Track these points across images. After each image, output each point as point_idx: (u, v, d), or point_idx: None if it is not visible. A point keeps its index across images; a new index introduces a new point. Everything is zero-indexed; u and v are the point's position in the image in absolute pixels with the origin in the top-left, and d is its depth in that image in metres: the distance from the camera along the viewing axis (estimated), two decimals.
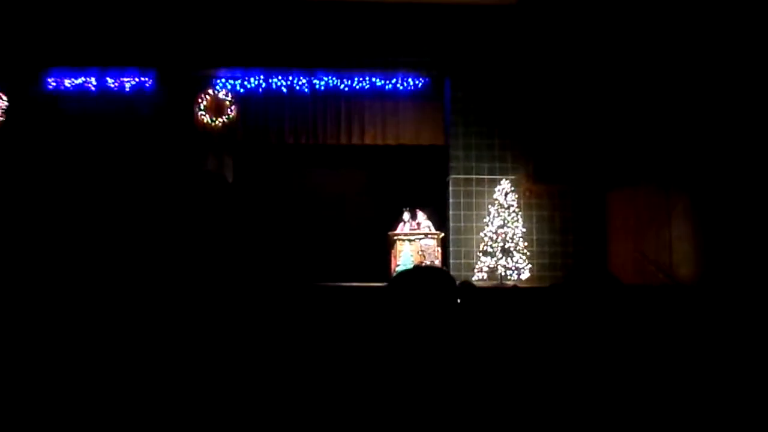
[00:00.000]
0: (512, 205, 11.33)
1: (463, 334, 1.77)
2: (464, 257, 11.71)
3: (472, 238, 11.73)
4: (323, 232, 12.47)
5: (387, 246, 11.25)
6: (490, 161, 11.99)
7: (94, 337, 2.99)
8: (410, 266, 10.00)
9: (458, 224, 11.88)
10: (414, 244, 10.88)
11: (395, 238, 11.03)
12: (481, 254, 11.17)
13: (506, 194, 11.41)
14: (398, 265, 10.61)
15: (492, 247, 11.08)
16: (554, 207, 11.99)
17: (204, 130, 11.74)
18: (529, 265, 11.15)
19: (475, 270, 11.13)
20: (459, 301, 1.85)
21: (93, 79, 11.81)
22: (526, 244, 11.28)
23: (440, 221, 11.79)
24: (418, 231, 11.13)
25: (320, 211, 12.66)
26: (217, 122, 11.73)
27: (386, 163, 12.75)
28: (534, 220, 11.95)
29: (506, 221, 11.17)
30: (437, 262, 10.76)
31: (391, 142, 12.26)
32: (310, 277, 10.68)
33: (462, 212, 11.84)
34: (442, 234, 11.28)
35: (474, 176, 11.93)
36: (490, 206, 11.48)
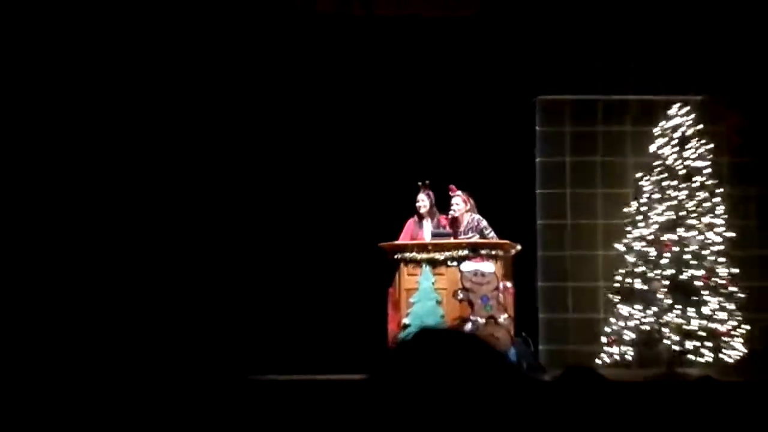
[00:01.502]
0: (699, 171, 7.33)
1: None
2: (576, 305, 7.82)
3: (595, 257, 7.85)
4: (249, 252, 8.60)
5: (382, 275, 7.41)
6: (638, 59, 8.12)
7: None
8: (437, 323, 7.73)
9: (559, 221, 7.98)
10: (445, 270, 7.03)
11: (400, 257, 7.25)
12: (616, 297, 7.38)
13: (682, 143, 7.32)
14: (406, 325, 6.86)
15: (647, 279, 7.29)
16: None
17: None
18: (746, 327, 7.09)
19: (606, 340, 7.34)
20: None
21: None
22: (735, 271, 7.23)
23: (511, 214, 7.74)
24: (452, 239, 7.20)
25: (232, 205, 8.61)
26: None
27: (381, 65, 8.45)
28: (755, 209, 7.86)
29: (684, 212, 7.23)
30: (503, 318, 6.85)
31: (386, 9, 8.28)
32: (234, 365, 7.74)
33: (567, 190, 7.90)
34: (518, 247, 7.16)
35: (601, 97, 7.84)
36: (640, 175, 7.63)
